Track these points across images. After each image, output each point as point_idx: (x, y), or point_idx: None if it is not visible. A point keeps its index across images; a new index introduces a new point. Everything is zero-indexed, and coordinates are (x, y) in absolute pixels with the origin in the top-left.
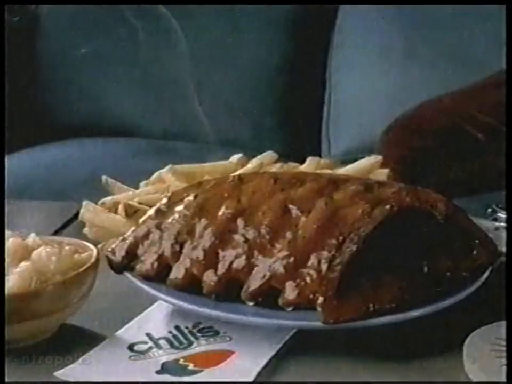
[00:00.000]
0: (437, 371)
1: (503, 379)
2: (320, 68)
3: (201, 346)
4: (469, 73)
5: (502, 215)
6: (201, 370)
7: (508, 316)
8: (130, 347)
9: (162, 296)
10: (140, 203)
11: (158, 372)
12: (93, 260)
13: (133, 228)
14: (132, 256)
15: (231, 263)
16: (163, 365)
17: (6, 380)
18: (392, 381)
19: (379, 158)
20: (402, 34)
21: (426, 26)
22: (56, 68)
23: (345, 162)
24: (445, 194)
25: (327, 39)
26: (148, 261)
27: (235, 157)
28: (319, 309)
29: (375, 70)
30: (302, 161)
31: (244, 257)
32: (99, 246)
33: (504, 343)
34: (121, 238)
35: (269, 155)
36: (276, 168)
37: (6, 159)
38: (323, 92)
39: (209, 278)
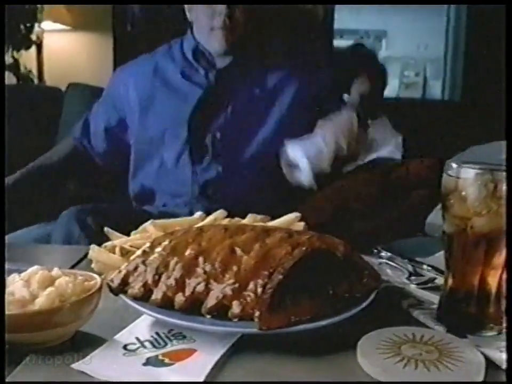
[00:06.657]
0: (338, 365)
1: (387, 371)
2: None
3: (173, 346)
4: None
5: (384, 254)
6: (174, 363)
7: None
8: (124, 347)
9: (146, 311)
10: (131, 246)
11: (143, 364)
12: (98, 286)
13: (125, 264)
14: (125, 283)
15: (195, 288)
16: (147, 359)
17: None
18: (310, 379)
19: (298, 215)
20: None
21: None
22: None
23: (274, 218)
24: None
25: None
26: (136, 287)
27: (197, 214)
28: (256, 320)
29: None
30: (244, 217)
31: (203, 284)
32: (102, 276)
33: (386, 343)
34: (117, 270)
35: (220, 213)
36: (225, 221)
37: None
38: None
39: (179, 298)
